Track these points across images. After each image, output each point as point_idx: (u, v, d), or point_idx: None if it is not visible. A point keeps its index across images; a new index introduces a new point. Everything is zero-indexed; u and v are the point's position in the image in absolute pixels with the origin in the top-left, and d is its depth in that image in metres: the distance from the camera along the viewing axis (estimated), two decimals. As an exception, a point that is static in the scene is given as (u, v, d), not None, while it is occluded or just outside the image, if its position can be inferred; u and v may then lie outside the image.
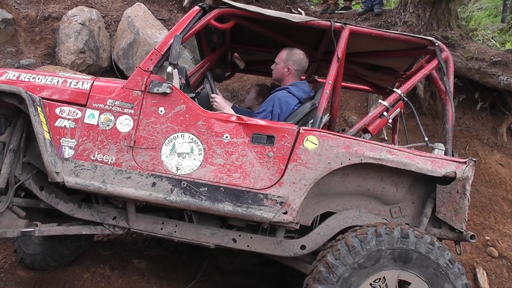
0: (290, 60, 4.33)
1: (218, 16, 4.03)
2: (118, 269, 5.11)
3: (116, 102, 3.76)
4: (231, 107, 4.43)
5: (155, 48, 3.86)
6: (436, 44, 4.21)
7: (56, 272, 5.03)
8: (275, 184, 3.66)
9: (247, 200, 3.65)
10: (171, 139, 3.70)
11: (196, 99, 4.21)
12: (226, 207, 3.63)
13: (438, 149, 3.98)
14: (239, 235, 3.89)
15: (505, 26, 10.43)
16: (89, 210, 3.94)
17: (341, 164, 3.67)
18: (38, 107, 3.68)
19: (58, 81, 3.89)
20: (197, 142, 3.69)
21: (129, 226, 3.91)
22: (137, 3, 8.59)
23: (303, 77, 4.80)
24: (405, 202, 4.00)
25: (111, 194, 3.71)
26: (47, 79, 3.90)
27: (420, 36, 4.43)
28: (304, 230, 3.92)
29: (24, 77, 3.92)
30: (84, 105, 3.78)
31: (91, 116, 3.76)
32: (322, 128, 3.85)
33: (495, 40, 8.49)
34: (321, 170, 3.65)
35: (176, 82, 3.96)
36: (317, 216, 3.97)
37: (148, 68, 3.81)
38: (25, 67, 7.52)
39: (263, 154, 3.69)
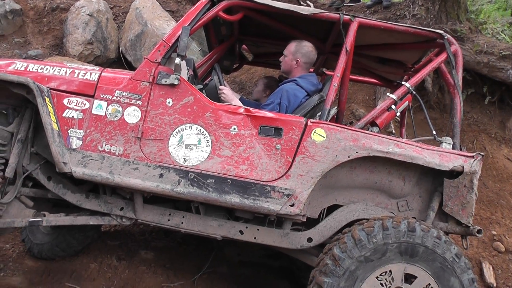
0: (299, 52, 4.32)
1: (227, 7, 4.02)
2: (125, 259, 5.14)
3: (124, 93, 3.77)
4: (239, 99, 4.42)
5: (163, 40, 3.86)
6: (445, 37, 4.18)
7: (63, 261, 5.06)
8: (282, 176, 3.66)
9: (254, 192, 3.65)
10: (178, 130, 3.71)
11: (204, 90, 4.21)
12: (233, 199, 3.64)
13: (446, 143, 3.97)
14: (246, 227, 3.90)
15: (514, 19, 10.34)
16: (97, 201, 3.96)
17: (349, 157, 3.66)
18: (46, 97, 3.68)
19: (66, 72, 3.90)
20: (205, 134, 3.70)
21: (136, 217, 3.92)
22: (145, -6, 8.58)
23: (311, 70, 4.79)
24: (412, 195, 3.99)
25: (118, 185, 3.72)
26: (55, 70, 3.91)
27: (429, 29, 4.40)
28: (311, 223, 3.92)
29: (32, 68, 3.93)
30: (92, 96, 3.79)
31: (99, 107, 3.77)
32: (329, 121, 3.85)
33: (504, 34, 8.42)
34: (328, 163, 3.65)
35: (184, 73, 3.96)
36: (324, 208, 3.97)
37: (156, 60, 3.81)
38: (33, 57, 7.54)
39: (270, 146, 3.69)
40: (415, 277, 3.43)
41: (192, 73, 4.32)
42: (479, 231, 3.83)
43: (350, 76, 4.65)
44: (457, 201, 3.81)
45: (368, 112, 4.52)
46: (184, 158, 3.69)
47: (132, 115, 3.74)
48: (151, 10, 8.19)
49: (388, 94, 4.21)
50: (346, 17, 4.07)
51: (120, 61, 8.27)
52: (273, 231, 3.89)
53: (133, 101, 3.75)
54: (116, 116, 3.75)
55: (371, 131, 3.88)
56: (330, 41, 4.83)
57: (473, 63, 7.08)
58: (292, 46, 4.35)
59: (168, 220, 3.92)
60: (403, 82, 4.24)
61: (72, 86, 3.83)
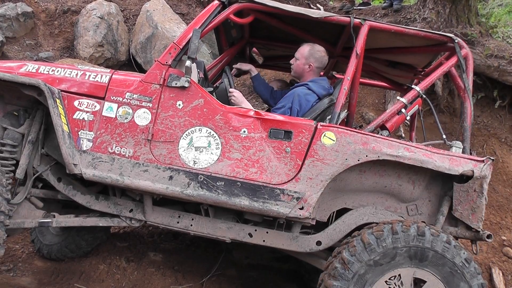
0: (312, 57, 4.30)
1: (237, 10, 4.03)
2: (134, 261, 5.15)
3: (135, 96, 3.78)
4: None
5: (174, 42, 3.87)
6: (456, 41, 4.17)
7: (72, 262, 5.08)
8: (292, 179, 3.66)
9: (263, 195, 3.65)
10: (188, 133, 3.71)
11: (214, 93, 4.22)
12: (243, 201, 3.64)
13: (456, 147, 3.95)
14: (255, 230, 3.90)
15: (525, 23, 10.28)
16: (106, 202, 3.97)
17: (358, 160, 3.66)
18: (57, 99, 3.70)
19: (77, 74, 3.91)
20: (215, 136, 3.70)
21: (145, 219, 3.94)
22: (155, -3, 8.62)
23: (321, 73, 4.79)
24: (421, 200, 3.98)
25: (128, 187, 3.73)
26: (66, 72, 3.93)
27: (440, 32, 4.38)
28: (320, 226, 3.92)
29: (43, 70, 3.95)
30: (103, 98, 3.80)
31: (109, 109, 3.78)
32: (339, 124, 3.84)
33: (515, 38, 8.39)
34: (338, 166, 3.65)
35: (195, 76, 3.97)
36: (333, 212, 3.97)
37: (166, 62, 3.82)
38: (43, 60, 7.58)
39: (280, 149, 3.69)
40: (424, 282, 3.42)
41: (203, 76, 4.33)
42: (489, 236, 3.81)
43: (360, 80, 4.65)
44: (467, 206, 3.79)
45: (378, 116, 4.51)
46: (194, 161, 3.70)
47: (142, 117, 3.75)
48: (162, 13, 8.22)
49: (398, 97, 4.20)
50: (357, 20, 4.07)
51: (130, 64, 8.31)
52: (282, 234, 3.89)
53: (143, 103, 3.76)
54: (126, 118, 3.76)
55: (381, 134, 3.87)
56: (340, 44, 4.82)
57: (483, 67, 7.05)
58: (305, 50, 4.34)
59: (178, 222, 3.93)
60: (413, 86, 4.23)
61: (83, 88, 3.84)
